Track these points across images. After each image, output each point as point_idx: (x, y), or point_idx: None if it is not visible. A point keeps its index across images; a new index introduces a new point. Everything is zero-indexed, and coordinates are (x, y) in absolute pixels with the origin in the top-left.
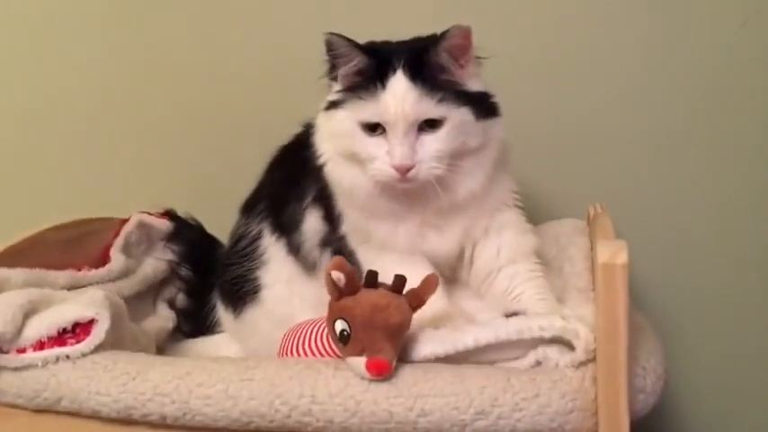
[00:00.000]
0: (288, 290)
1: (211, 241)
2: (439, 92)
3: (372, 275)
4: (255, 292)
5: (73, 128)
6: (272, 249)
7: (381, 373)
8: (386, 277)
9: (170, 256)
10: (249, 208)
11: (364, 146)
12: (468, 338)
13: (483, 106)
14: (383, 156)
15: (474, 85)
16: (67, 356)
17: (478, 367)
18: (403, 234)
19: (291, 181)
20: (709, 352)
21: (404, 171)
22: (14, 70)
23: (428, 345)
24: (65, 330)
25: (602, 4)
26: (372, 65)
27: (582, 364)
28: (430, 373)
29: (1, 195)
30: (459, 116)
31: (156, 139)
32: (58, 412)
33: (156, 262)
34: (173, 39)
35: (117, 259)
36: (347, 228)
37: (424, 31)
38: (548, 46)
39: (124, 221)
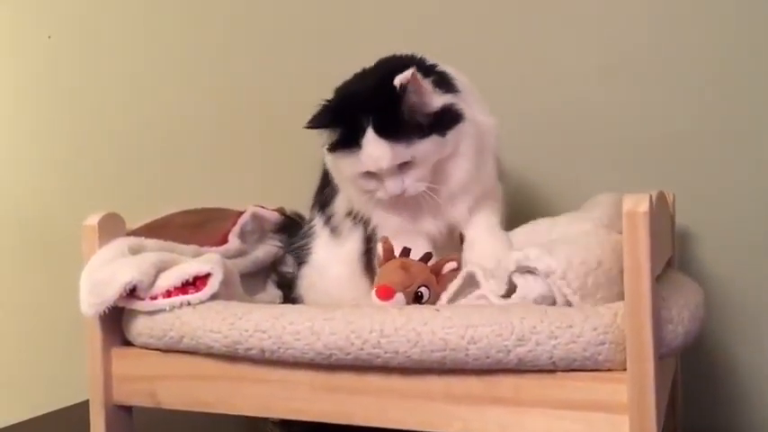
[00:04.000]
0: (324, 252)
1: None
2: (406, 136)
3: (405, 250)
4: (308, 255)
5: (200, 133)
6: (318, 225)
7: (382, 293)
8: None
9: (278, 244)
10: (311, 204)
11: (364, 184)
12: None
13: (446, 120)
14: (380, 188)
15: (434, 106)
16: (189, 303)
17: (520, 304)
18: (398, 222)
19: (328, 177)
20: None
21: (396, 196)
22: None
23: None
24: (187, 282)
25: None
26: (345, 128)
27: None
28: (478, 308)
29: (143, 188)
30: (426, 147)
31: (275, 141)
32: (180, 351)
33: (267, 248)
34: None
35: (233, 242)
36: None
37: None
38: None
39: (241, 213)
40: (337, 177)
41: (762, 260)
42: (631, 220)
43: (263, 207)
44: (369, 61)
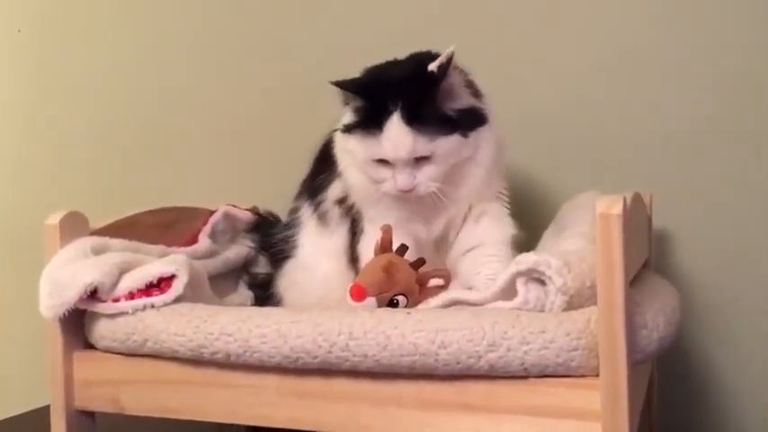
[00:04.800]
0: (312, 244)
1: None
2: (431, 128)
3: (403, 247)
4: (294, 248)
5: (170, 131)
6: (305, 214)
7: (354, 293)
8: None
9: (250, 244)
10: (297, 193)
11: (375, 172)
12: (464, 296)
13: (471, 121)
14: (390, 179)
15: (462, 103)
16: (152, 305)
17: (492, 309)
18: (393, 220)
19: (323, 165)
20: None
21: (406, 192)
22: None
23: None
24: (151, 284)
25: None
26: (371, 107)
27: (566, 292)
28: (450, 312)
29: (110, 186)
30: (448, 144)
31: (248, 140)
32: (144, 355)
33: (239, 248)
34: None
35: (203, 242)
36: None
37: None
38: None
39: (212, 212)
40: (343, 162)
41: (739, 260)
42: (605, 222)
43: (235, 206)
44: (351, 64)
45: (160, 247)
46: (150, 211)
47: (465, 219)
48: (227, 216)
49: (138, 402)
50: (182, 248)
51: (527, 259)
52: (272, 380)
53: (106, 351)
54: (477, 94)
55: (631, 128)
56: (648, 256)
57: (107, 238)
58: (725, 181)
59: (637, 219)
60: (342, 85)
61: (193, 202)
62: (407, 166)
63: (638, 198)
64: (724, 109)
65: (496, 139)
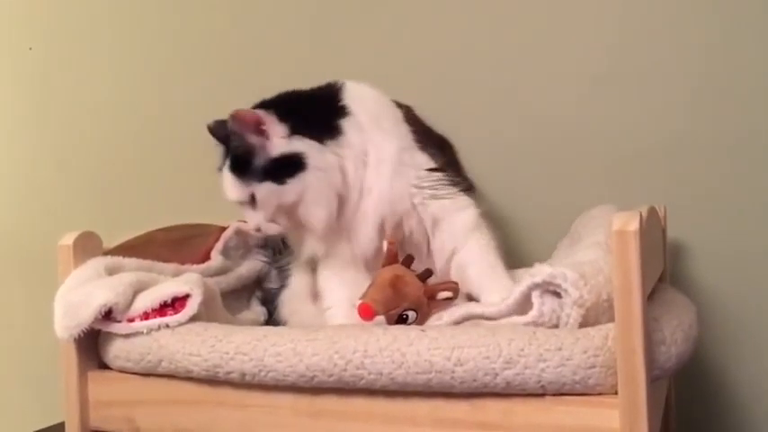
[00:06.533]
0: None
1: None
2: (248, 175)
3: (409, 258)
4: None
5: (182, 148)
6: None
7: (363, 311)
8: None
9: (263, 260)
10: None
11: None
12: (478, 309)
13: (287, 168)
14: None
15: (277, 151)
16: (167, 325)
17: (508, 325)
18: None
19: None
20: None
21: (256, 231)
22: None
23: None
24: (165, 303)
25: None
26: (224, 152)
27: (583, 305)
28: (465, 329)
29: (124, 204)
30: (263, 190)
31: None
32: (159, 375)
33: (251, 264)
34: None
35: (216, 259)
36: None
37: None
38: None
39: (224, 228)
40: None
41: (755, 271)
42: (621, 239)
43: (246, 222)
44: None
45: (173, 266)
46: (163, 230)
47: (420, 226)
48: (239, 232)
49: (153, 422)
50: (195, 266)
51: (542, 271)
52: (286, 399)
53: (121, 371)
54: (326, 127)
55: (644, 137)
56: (664, 268)
57: (120, 257)
58: (739, 190)
59: (653, 233)
60: (209, 127)
61: (205, 219)
62: (250, 208)
63: (653, 212)
64: (740, 116)
65: (333, 175)
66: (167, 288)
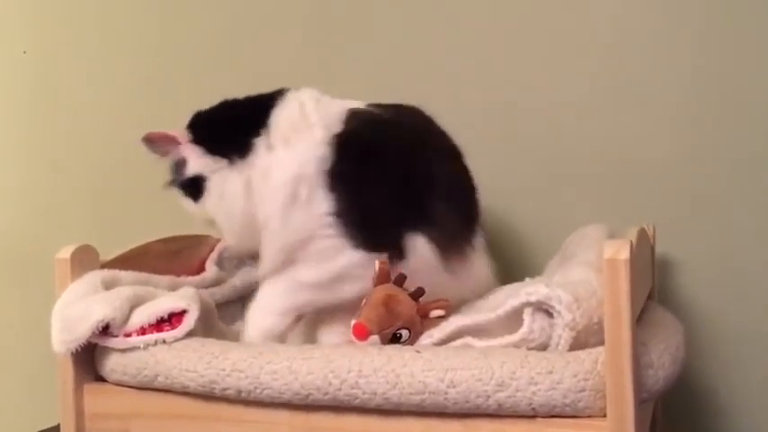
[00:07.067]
0: None
1: None
2: (188, 191)
3: (401, 277)
4: None
5: None
6: None
7: (357, 331)
8: None
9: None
10: None
11: None
12: (468, 320)
13: (195, 189)
14: None
15: (191, 170)
16: (164, 341)
17: (501, 348)
18: None
19: None
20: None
21: None
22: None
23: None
24: (162, 319)
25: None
26: None
27: (574, 328)
28: (459, 351)
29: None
30: (187, 206)
31: None
32: (155, 389)
33: (245, 274)
34: None
35: (211, 270)
36: None
37: None
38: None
39: (218, 239)
40: None
41: (742, 287)
42: (612, 267)
43: None
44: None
45: (169, 278)
46: (158, 241)
47: None
48: None
49: None
50: (190, 278)
51: (538, 291)
52: (282, 416)
53: (117, 384)
54: (231, 157)
55: (633, 154)
56: (652, 286)
57: (117, 270)
58: (728, 206)
59: (642, 256)
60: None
61: (200, 230)
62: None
63: (642, 234)
64: (728, 134)
65: (228, 207)
66: (164, 303)
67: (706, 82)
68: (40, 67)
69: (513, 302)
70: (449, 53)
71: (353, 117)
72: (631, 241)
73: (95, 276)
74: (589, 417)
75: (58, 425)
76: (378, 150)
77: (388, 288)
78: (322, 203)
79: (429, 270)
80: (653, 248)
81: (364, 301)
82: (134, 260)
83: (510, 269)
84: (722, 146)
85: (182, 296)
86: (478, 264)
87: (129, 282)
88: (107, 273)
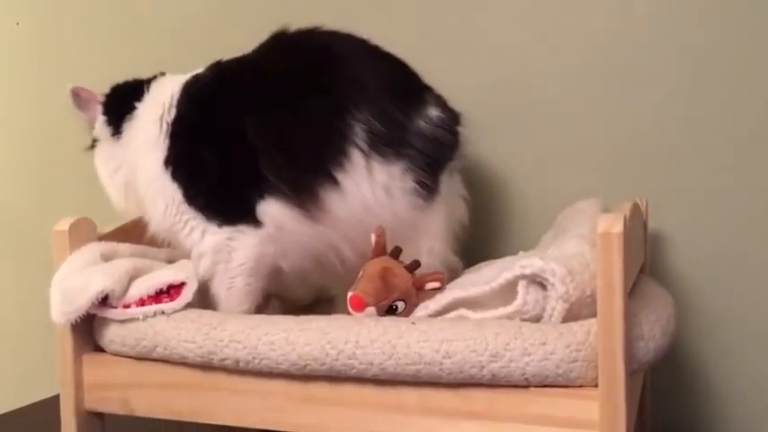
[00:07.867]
0: None
1: None
2: None
3: (397, 250)
4: None
5: None
6: None
7: (354, 303)
8: None
9: None
10: None
11: None
12: (462, 293)
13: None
14: None
15: (95, 134)
16: (162, 312)
17: (495, 319)
18: None
19: None
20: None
21: None
22: None
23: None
24: (161, 291)
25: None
26: None
27: (568, 300)
28: (454, 322)
29: None
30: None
31: None
32: (154, 359)
33: None
34: None
35: None
36: None
37: None
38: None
39: None
40: None
41: (732, 261)
42: (606, 241)
43: None
44: None
45: (167, 250)
46: None
47: None
48: None
49: (148, 405)
50: None
51: (532, 264)
52: (279, 385)
53: (116, 354)
54: (115, 133)
55: (626, 129)
56: (644, 260)
57: (115, 242)
58: (720, 183)
59: (635, 230)
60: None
61: None
62: None
63: (636, 209)
64: (720, 110)
65: (110, 176)
66: (164, 276)
67: (698, 57)
68: (33, 39)
69: (508, 275)
70: (444, 27)
71: (184, 96)
72: (625, 215)
73: (94, 248)
74: (581, 386)
75: (57, 395)
76: (201, 128)
77: (385, 260)
78: (176, 192)
79: (293, 226)
80: (645, 223)
81: (361, 273)
82: (132, 232)
83: (504, 243)
84: (715, 122)
85: (180, 268)
86: (352, 189)
87: (127, 254)
88: (105, 245)
